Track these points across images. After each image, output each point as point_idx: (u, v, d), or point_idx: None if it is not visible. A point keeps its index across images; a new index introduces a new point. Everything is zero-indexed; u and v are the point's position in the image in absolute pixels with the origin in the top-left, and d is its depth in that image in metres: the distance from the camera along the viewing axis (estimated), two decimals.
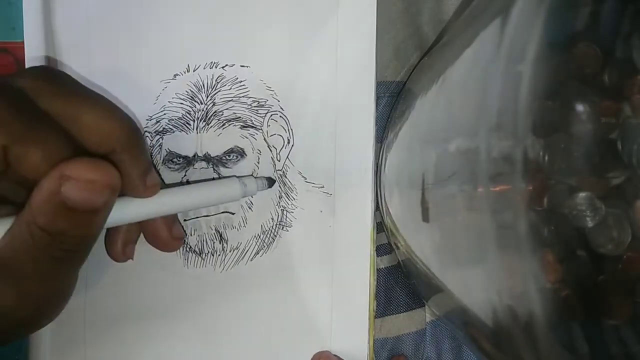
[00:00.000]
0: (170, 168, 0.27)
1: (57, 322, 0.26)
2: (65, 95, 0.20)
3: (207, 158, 0.27)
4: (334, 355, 0.25)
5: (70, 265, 0.20)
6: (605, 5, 0.18)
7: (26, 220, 0.18)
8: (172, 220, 0.25)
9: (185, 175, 0.27)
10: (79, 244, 0.19)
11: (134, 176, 0.21)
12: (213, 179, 0.27)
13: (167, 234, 0.24)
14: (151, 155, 0.27)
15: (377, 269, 0.27)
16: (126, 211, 0.22)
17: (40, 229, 0.18)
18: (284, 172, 0.27)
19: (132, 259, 0.26)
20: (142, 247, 0.27)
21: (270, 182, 0.26)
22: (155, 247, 0.25)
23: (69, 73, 0.24)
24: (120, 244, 0.24)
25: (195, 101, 0.27)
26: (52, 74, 0.21)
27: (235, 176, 0.26)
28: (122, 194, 0.22)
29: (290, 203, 0.27)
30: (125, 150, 0.21)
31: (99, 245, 0.27)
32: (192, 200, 0.24)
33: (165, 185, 0.26)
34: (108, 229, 0.24)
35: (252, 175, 0.26)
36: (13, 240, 0.18)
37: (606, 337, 0.18)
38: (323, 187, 0.27)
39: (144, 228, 0.25)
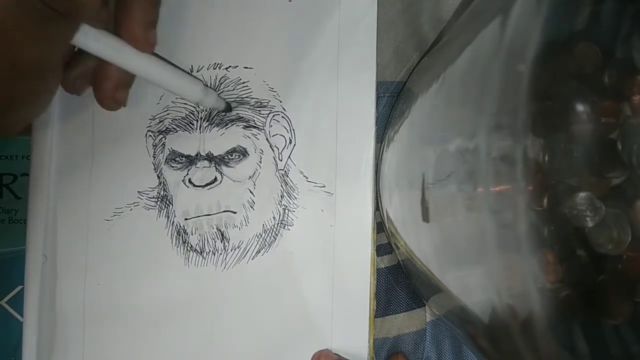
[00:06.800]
0: (172, 167, 0.27)
1: (56, 319, 0.27)
2: None
3: (209, 157, 0.27)
4: (334, 353, 0.25)
5: (57, 31, 0.20)
6: (605, 5, 0.18)
7: None
8: (151, 22, 0.23)
9: (187, 174, 0.27)
10: (68, 7, 0.19)
11: (138, 20, 0.22)
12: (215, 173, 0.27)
13: (142, 33, 0.23)
14: (154, 154, 0.27)
15: (377, 269, 0.27)
16: (115, 48, 0.22)
17: None
18: (285, 171, 0.27)
19: (125, 105, 0.25)
20: (143, 247, 0.27)
21: (228, 107, 0.27)
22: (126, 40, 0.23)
23: None
24: (112, 85, 0.24)
25: None
26: None
27: (204, 84, 0.26)
28: (120, 36, 0.22)
29: (291, 202, 0.27)
30: None
31: (99, 245, 0.27)
32: (160, 75, 0.24)
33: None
34: (98, 73, 0.24)
35: (217, 93, 0.26)
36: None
37: (606, 337, 0.18)
38: (324, 186, 0.27)
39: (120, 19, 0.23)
